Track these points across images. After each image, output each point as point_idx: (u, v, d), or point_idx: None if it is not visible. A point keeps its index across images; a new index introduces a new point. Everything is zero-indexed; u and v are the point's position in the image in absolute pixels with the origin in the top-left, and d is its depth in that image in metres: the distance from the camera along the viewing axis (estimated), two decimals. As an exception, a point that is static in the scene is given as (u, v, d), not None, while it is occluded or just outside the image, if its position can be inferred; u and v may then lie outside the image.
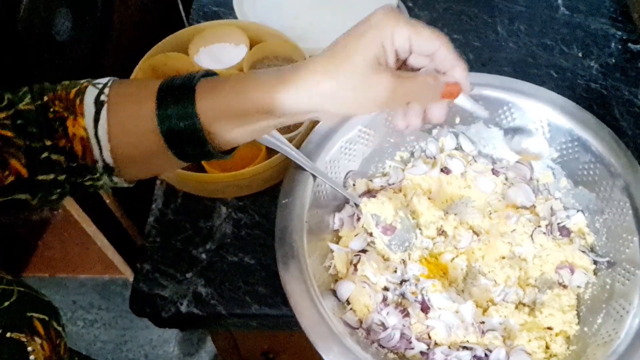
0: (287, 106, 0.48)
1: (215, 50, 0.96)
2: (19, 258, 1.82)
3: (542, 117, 0.81)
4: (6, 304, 0.52)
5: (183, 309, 0.77)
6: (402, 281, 0.75)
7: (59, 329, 0.56)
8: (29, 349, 0.50)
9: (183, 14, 1.24)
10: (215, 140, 0.52)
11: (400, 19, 0.46)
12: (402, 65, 0.51)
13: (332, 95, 0.47)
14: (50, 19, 0.83)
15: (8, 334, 0.49)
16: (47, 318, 0.55)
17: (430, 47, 0.47)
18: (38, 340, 0.51)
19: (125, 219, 1.25)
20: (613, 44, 1.02)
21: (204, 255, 0.82)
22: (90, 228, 1.18)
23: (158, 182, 0.88)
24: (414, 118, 0.52)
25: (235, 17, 1.03)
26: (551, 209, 0.81)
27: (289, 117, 0.50)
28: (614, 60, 1.00)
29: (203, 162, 0.82)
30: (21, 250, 1.83)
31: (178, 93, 0.50)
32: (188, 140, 0.51)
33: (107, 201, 1.18)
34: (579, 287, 0.75)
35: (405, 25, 0.46)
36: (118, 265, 1.52)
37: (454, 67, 0.49)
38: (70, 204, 1.11)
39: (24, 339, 0.50)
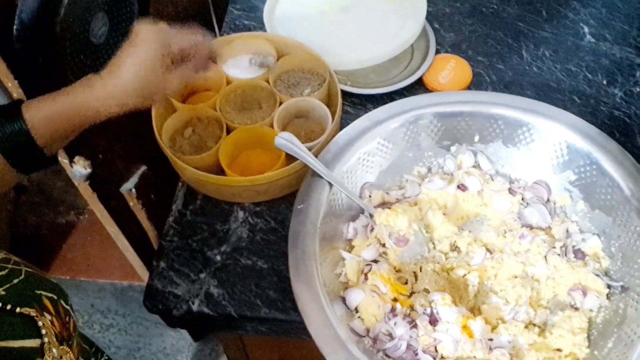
0: (113, 95, 0.63)
1: (243, 60, 0.99)
2: (42, 259, 1.86)
3: (561, 139, 0.81)
4: (15, 281, 0.54)
5: (194, 308, 0.79)
6: (412, 293, 0.75)
7: (67, 307, 0.58)
8: (40, 323, 0.52)
9: (216, 26, 1.28)
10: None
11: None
12: None
13: (139, 88, 0.64)
14: (88, 22, 0.87)
15: (18, 309, 0.51)
16: (55, 297, 0.56)
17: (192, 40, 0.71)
18: (48, 316, 0.53)
19: (147, 222, 1.27)
20: (638, 73, 1.02)
21: (218, 257, 0.83)
22: (112, 229, 1.21)
23: (180, 184, 0.91)
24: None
25: (265, 31, 1.06)
26: (567, 231, 0.80)
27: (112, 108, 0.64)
28: (638, 89, 1.00)
29: (223, 166, 0.84)
30: (44, 252, 1.87)
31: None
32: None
33: (131, 204, 1.21)
34: (591, 310, 0.74)
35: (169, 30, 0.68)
36: (137, 269, 1.53)
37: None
38: (94, 204, 1.14)
39: (34, 314, 0.52)
